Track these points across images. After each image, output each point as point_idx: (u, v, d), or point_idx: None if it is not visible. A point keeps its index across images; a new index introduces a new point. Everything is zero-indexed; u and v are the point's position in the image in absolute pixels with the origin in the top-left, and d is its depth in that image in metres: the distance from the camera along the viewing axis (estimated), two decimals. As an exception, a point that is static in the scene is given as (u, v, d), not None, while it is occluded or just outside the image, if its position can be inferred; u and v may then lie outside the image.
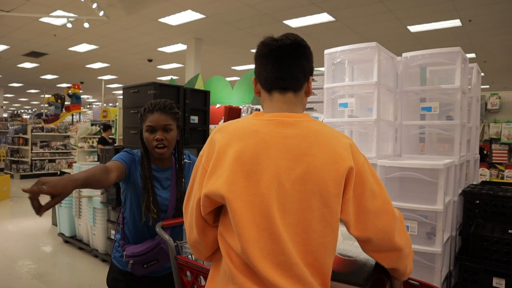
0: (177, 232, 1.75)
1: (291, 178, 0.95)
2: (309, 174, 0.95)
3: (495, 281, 1.99)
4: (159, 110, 1.64)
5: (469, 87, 2.82)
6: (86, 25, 7.59)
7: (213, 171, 0.99)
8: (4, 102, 22.25)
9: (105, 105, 13.90)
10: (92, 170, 1.39)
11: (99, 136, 7.43)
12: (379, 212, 1.01)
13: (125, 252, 1.62)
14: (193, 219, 1.05)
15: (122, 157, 1.63)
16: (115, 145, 5.31)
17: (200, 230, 1.05)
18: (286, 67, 1.06)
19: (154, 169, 1.67)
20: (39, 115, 14.39)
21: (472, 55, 9.96)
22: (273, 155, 0.97)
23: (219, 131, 1.05)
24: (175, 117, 1.67)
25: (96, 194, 4.28)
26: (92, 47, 10.42)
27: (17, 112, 22.27)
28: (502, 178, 3.98)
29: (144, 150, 1.65)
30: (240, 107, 4.81)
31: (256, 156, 0.97)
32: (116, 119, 5.84)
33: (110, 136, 7.12)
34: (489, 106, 4.05)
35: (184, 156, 1.77)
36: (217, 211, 1.04)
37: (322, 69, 2.99)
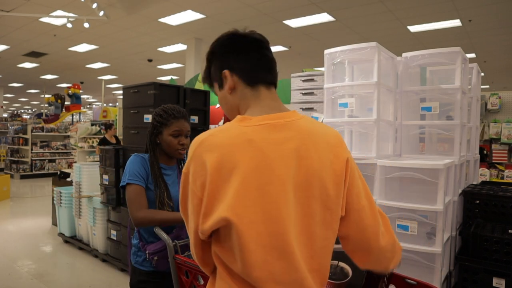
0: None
1: (293, 185, 0.88)
2: (309, 179, 0.89)
3: (495, 281, 1.99)
4: (184, 117, 1.81)
5: (469, 87, 2.82)
6: (86, 25, 7.59)
7: (212, 201, 0.86)
8: (4, 102, 22.24)
9: (105, 105, 13.90)
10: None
11: (101, 137, 6.97)
12: (363, 211, 0.97)
13: (147, 251, 1.69)
14: (192, 242, 0.96)
15: (138, 173, 1.74)
16: (115, 145, 5.29)
17: (200, 251, 0.96)
18: (270, 59, 1.00)
19: (163, 167, 1.82)
20: (39, 115, 14.39)
21: (472, 55, 9.96)
22: (274, 165, 0.87)
23: (206, 149, 0.88)
24: (190, 124, 1.90)
25: (96, 194, 4.28)
26: (92, 47, 10.43)
27: (17, 112, 22.26)
28: (502, 178, 3.98)
29: (153, 151, 1.80)
30: (240, 107, 4.80)
31: (256, 170, 0.86)
32: (116, 119, 5.84)
33: (114, 135, 6.83)
34: (489, 106, 4.05)
35: (185, 156, 1.87)
36: None
37: (322, 69, 2.99)
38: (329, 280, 1.19)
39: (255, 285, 0.86)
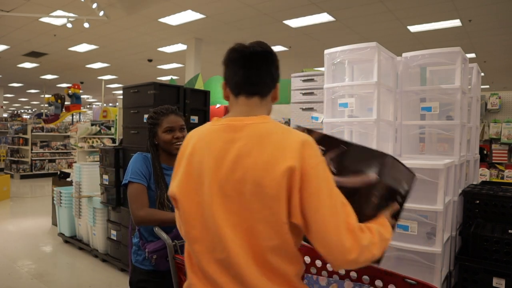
0: None
1: (232, 180, 0.99)
2: (247, 176, 0.98)
3: (495, 281, 1.99)
4: (173, 112, 1.84)
5: (469, 87, 2.82)
6: (86, 25, 7.59)
7: (175, 174, 1.13)
8: (4, 102, 22.24)
9: (105, 105, 13.90)
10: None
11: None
12: (322, 225, 0.94)
13: (147, 250, 1.70)
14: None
15: (140, 172, 1.76)
16: (115, 145, 5.30)
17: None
18: (256, 73, 1.10)
19: (165, 168, 1.82)
20: (39, 115, 14.39)
21: (472, 55, 9.97)
22: (214, 159, 1.03)
23: (187, 137, 1.16)
24: (183, 118, 1.92)
25: (96, 194, 4.28)
26: (92, 47, 10.43)
27: (17, 112, 22.26)
28: (502, 178, 3.98)
29: (154, 152, 1.82)
30: (240, 107, 4.81)
31: (202, 161, 1.05)
32: (116, 119, 5.84)
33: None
34: (489, 106, 4.05)
35: None
36: None
37: (322, 69, 2.99)
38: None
39: (197, 259, 1.07)
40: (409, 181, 1.24)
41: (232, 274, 1.00)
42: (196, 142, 1.09)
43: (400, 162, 1.18)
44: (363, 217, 1.07)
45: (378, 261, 1.12)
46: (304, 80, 3.53)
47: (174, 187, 1.10)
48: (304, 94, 3.54)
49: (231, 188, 1.00)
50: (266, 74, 1.11)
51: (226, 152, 1.02)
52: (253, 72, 1.10)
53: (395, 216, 1.22)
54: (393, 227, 1.18)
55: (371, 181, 1.11)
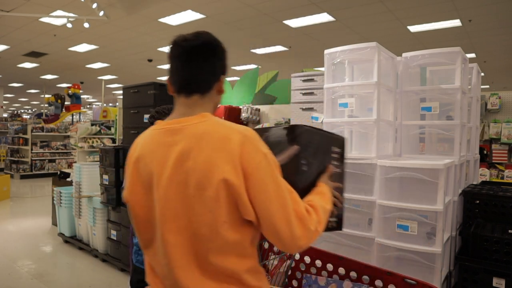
0: None
1: (175, 184, 0.99)
2: (189, 180, 0.97)
3: (495, 281, 1.99)
4: None
5: (469, 87, 2.82)
6: (86, 25, 7.59)
7: (125, 179, 1.14)
8: (4, 102, 22.23)
9: (105, 105, 13.90)
10: None
11: None
12: (273, 219, 0.96)
13: None
14: None
15: None
16: (115, 145, 5.30)
17: None
18: (195, 69, 1.06)
19: None
20: (39, 115, 14.39)
21: (472, 55, 9.96)
22: (157, 163, 1.03)
23: (134, 142, 1.16)
24: None
25: (96, 194, 4.28)
26: (92, 47, 10.42)
27: (17, 112, 22.25)
28: (502, 178, 3.98)
29: None
30: (240, 107, 4.81)
31: (148, 166, 1.05)
32: (116, 119, 5.84)
33: None
34: (489, 106, 4.04)
35: None
36: None
37: (322, 69, 2.99)
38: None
39: (145, 264, 1.14)
40: (340, 144, 1.35)
41: (170, 278, 1.01)
42: (141, 148, 1.09)
43: (319, 129, 1.28)
44: (302, 192, 1.11)
45: (329, 229, 1.25)
46: (304, 80, 3.54)
47: (125, 192, 1.11)
48: (304, 94, 3.54)
49: (175, 192, 0.99)
50: (207, 70, 1.08)
51: (168, 156, 1.01)
52: (191, 70, 1.06)
53: (340, 180, 1.31)
54: (341, 192, 1.29)
55: (294, 152, 1.17)
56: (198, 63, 1.06)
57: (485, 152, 4.09)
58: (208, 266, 0.99)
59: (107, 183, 3.88)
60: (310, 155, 1.20)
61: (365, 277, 1.62)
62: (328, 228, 1.24)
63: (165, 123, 1.08)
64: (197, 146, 0.98)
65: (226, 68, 1.14)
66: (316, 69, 5.90)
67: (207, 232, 0.97)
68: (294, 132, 1.19)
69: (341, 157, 1.35)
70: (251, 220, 0.98)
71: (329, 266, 1.74)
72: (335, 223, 1.31)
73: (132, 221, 1.12)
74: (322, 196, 1.14)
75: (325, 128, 2.48)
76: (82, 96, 13.87)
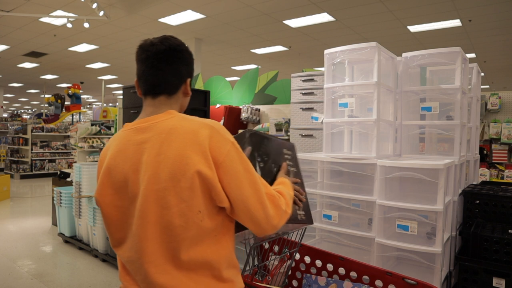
0: None
1: (145, 179, 1.01)
2: (160, 173, 0.99)
3: (495, 281, 1.99)
4: None
5: (469, 87, 2.82)
6: (86, 25, 7.59)
7: (97, 179, 1.15)
8: (4, 102, 22.25)
9: (105, 105, 13.90)
10: None
11: None
12: (247, 202, 1.02)
13: None
14: None
15: None
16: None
17: None
18: (160, 73, 1.10)
19: None
20: (39, 115, 14.38)
21: (472, 55, 9.97)
22: (130, 162, 1.05)
23: (107, 144, 1.18)
24: None
25: (96, 194, 4.28)
26: (92, 47, 10.43)
27: (17, 112, 22.26)
28: (502, 178, 3.98)
29: None
30: (240, 107, 4.81)
31: (117, 165, 1.07)
32: (116, 119, 5.84)
33: None
34: (489, 106, 4.05)
35: None
36: None
37: (322, 69, 2.99)
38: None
39: (118, 260, 1.15)
40: (290, 147, 1.51)
41: (141, 273, 1.03)
42: (113, 149, 1.11)
43: (265, 135, 1.41)
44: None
45: (293, 220, 1.33)
46: (304, 80, 3.54)
47: (96, 193, 1.13)
48: (304, 94, 3.54)
49: (149, 188, 1.01)
50: (172, 74, 1.12)
51: (139, 154, 1.04)
52: (157, 74, 1.10)
53: (297, 176, 1.45)
54: (301, 186, 1.42)
55: (248, 153, 1.28)
56: (164, 67, 1.10)
57: (485, 152, 4.09)
58: (181, 259, 1.01)
59: (107, 183, 3.88)
60: (263, 154, 1.34)
61: (365, 277, 1.62)
62: (298, 221, 1.37)
63: (133, 124, 1.12)
64: (166, 141, 1.01)
65: (193, 71, 1.20)
66: (316, 69, 5.90)
67: (182, 222, 0.99)
68: (244, 136, 1.33)
69: (294, 159, 1.49)
70: (225, 207, 1.03)
71: (329, 266, 1.74)
72: (304, 216, 1.41)
73: (103, 221, 1.14)
74: (284, 184, 1.24)
75: (325, 128, 2.48)
76: (82, 96, 13.88)
